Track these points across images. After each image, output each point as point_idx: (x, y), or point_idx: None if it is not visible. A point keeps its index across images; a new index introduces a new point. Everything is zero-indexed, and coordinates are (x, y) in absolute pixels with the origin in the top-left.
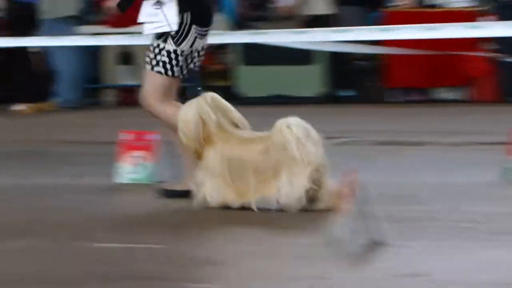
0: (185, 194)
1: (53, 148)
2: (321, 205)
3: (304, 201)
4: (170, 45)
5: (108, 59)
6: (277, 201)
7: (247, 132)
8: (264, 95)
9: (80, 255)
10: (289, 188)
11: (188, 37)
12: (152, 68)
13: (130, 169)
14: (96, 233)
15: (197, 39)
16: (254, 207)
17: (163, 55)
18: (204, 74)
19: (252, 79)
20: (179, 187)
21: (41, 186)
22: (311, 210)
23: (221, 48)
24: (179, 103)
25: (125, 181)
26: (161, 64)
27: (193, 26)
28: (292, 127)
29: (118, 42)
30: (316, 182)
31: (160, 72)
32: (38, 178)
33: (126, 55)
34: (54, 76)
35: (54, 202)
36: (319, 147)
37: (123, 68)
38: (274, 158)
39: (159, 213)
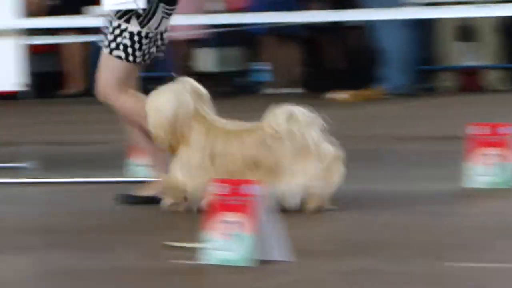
0: (151, 200)
1: (385, 146)
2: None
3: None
4: (134, 26)
5: (444, 35)
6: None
7: (232, 123)
8: None
9: (432, 277)
10: (291, 186)
11: (155, 17)
12: (111, 52)
13: (483, 170)
14: (443, 250)
15: (164, 20)
16: None
17: (125, 37)
18: None
19: None
20: (145, 192)
21: (376, 193)
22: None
23: None
24: (139, 93)
25: (477, 186)
26: (121, 47)
27: (161, 5)
28: (295, 116)
29: (457, 14)
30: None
31: (119, 57)
32: (372, 183)
33: (467, 30)
34: (379, 56)
35: (390, 213)
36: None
37: (463, 45)
38: (274, 150)
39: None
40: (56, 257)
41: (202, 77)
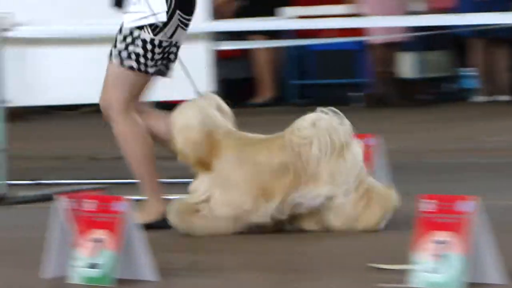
0: (162, 224)
1: None
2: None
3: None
4: (146, 33)
5: None
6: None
7: (259, 135)
8: None
9: None
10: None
11: (170, 24)
12: (122, 63)
13: None
14: None
15: (179, 29)
16: (280, 215)
17: (137, 45)
18: None
19: None
20: (150, 216)
21: None
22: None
23: None
24: (138, 117)
25: None
26: (133, 56)
27: (177, 12)
28: (316, 124)
29: None
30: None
31: (131, 67)
32: None
33: None
34: None
35: None
36: (351, 154)
37: None
38: (301, 154)
39: None
40: (252, 279)
41: (403, 84)
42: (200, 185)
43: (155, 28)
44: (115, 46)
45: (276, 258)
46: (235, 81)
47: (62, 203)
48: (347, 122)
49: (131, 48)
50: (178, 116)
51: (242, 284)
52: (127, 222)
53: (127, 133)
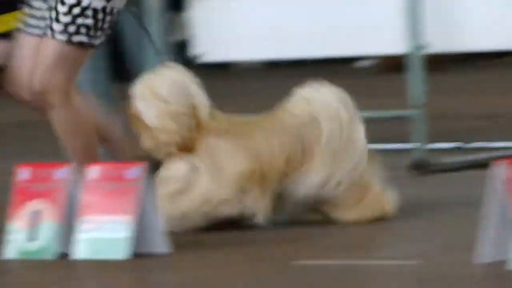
0: None
1: None
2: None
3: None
4: (98, 1)
5: None
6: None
7: (245, 116)
8: None
9: None
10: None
11: None
12: (70, 39)
13: None
14: None
15: None
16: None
17: (88, 16)
18: None
19: None
20: None
21: None
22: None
23: None
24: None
25: None
26: (83, 30)
27: None
28: (313, 102)
29: None
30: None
31: (81, 43)
32: None
33: None
34: None
35: None
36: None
37: None
38: (308, 136)
39: None
40: None
41: None
42: (177, 172)
43: None
44: (57, 20)
45: None
46: None
47: (500, 171)
48: (348, 99)
49: (79, 20)
50: (147, 86)
51: None
52: None
53: (71, 122)
